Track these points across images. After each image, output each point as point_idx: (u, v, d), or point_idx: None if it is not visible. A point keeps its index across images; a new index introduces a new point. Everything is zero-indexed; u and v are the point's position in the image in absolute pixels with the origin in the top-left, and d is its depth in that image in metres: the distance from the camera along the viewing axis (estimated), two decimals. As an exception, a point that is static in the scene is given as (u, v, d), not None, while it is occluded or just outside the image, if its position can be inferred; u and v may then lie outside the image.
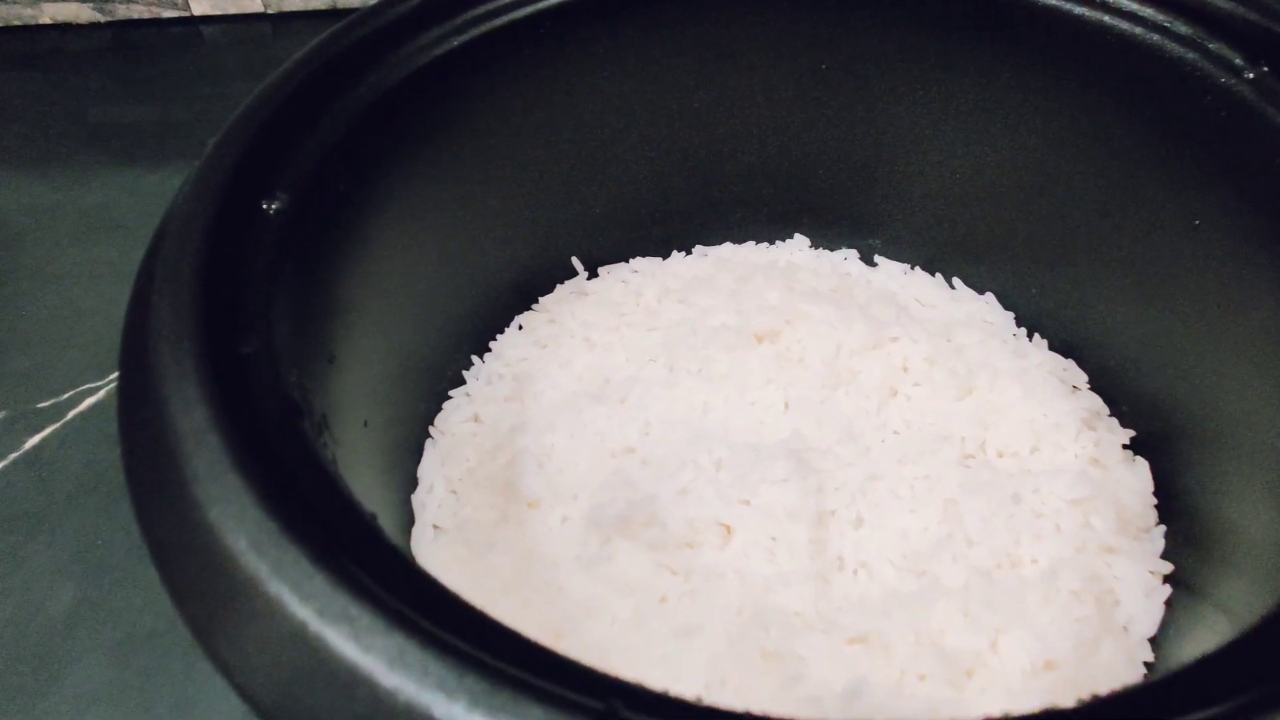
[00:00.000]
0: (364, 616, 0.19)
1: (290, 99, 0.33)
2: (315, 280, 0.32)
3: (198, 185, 0.29)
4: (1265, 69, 0.33)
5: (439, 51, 0.38)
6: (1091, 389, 0.44)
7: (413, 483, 0.42)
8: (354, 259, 0.35)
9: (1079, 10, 0.38)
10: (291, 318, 0.28)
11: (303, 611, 0.19)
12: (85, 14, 0.78)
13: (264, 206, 0.29)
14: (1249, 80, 0.34)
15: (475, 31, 0.39)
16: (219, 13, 0.79)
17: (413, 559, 0.39)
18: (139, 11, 0.79)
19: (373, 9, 0.38)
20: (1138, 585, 0.36)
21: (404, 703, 0.18)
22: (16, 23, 0.78)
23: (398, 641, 0.19)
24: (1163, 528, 0.39)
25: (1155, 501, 0.40)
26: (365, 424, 0.36)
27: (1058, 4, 0.38)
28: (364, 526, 0.22)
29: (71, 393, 0.53)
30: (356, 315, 0.35)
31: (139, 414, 0.24)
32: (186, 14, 0.79)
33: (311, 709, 0.19)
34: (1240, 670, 0.19)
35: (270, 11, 0.79)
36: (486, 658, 0.19)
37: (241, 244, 0.28)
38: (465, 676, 0.18)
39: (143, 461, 0.23)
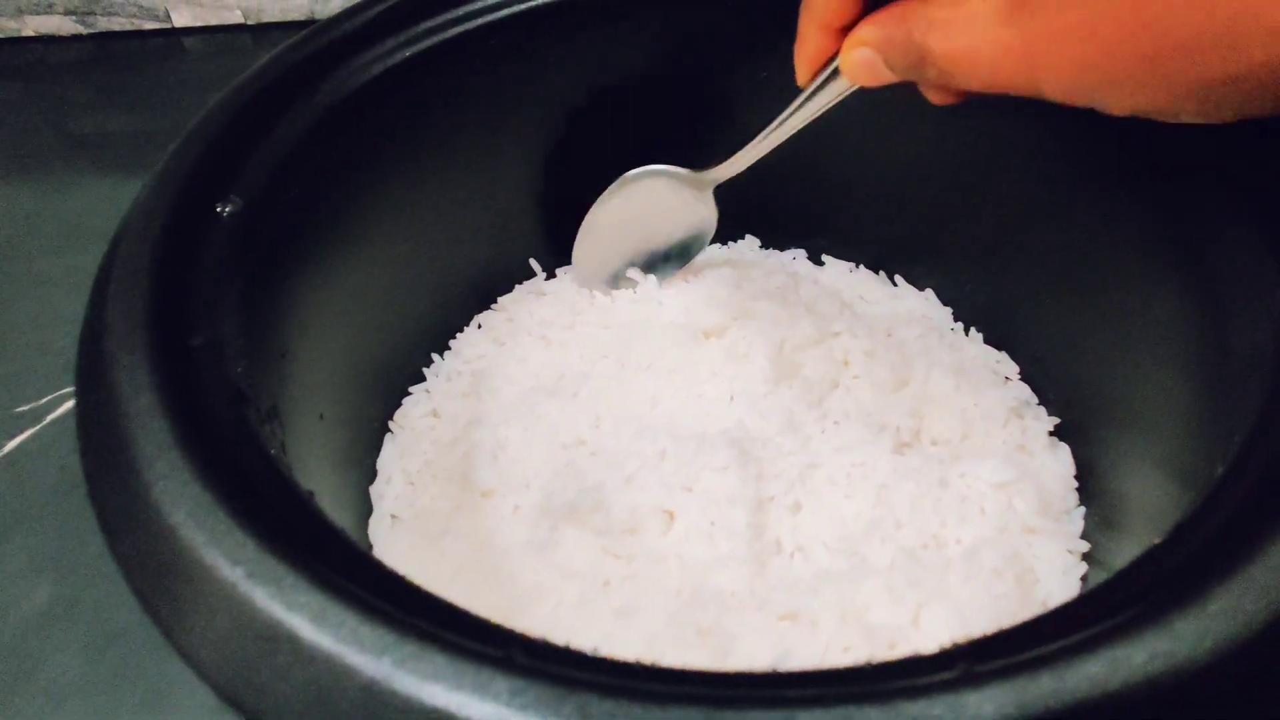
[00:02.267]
0: (289, 577, 0.21)
1: (247, 107, 0.35)
2: (268, 279, 0.33)
3: (154, 188, 0.31)
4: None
5: (394, 61, 0.40)
6: (1022, 379, 0.46)
7: (371, 475, 0.44)
8: (309, 260, 0.37)
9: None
10: (242, 314, 0.30)
11: (234, 574, 0.21)
12: (67, 26, 0.80)
13: (217, 209, 0.31)
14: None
15: (430, 42, 0.41)
16: (200, 24, 0.81)
17: (370, 546, 0.41)
18: (120, 24, 0.80)
19: (330, 21, 0.40)
20: (1056, 563, 0.38)
21: (323, 654, 0.20)
22: (0, 35, 0.80)
23: (319, 599, 0.21)
24: (1082, 509, 0.41)
25: (1076, 484, 0.42)
26: (321, 417, 0.37)
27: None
28: (296, 500, 0.24)
29: (49, 398, 0.54)
30: (311, 314, 0.37)
31: (93, 400, 0.26)
32: (168, 25, 0.81)
33: (242, 663, 0.21)
34: (1098, 608, 0.21)
35: (250, 23, 0.81)
36: (399, 613, 0.21)
37: (194, 244, 0.30)
38: (377, 629, 0.20)
39: (96, 444, 0.25)
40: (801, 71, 0.36)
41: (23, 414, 0.53)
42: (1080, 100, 0.27)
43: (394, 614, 0.21)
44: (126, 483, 0.24)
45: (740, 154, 0.43)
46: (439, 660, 0.20)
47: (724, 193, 0.53)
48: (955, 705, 0.19)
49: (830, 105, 0.37)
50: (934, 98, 0.34)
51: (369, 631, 0.20)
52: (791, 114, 0.39)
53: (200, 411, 0.25)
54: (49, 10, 0.79)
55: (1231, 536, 0.22)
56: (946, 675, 0.19)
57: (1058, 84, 0.26)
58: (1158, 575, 0.22)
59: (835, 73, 0.35)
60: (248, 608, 0.21)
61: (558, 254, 0.52)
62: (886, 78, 0.32)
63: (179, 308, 0.28)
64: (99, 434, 0.25)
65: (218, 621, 0.21)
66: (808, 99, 0.37)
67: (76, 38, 0.81)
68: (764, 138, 0.41)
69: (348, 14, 0.40)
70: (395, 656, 0.20)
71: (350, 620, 0.20)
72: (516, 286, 0.52)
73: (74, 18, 0.80)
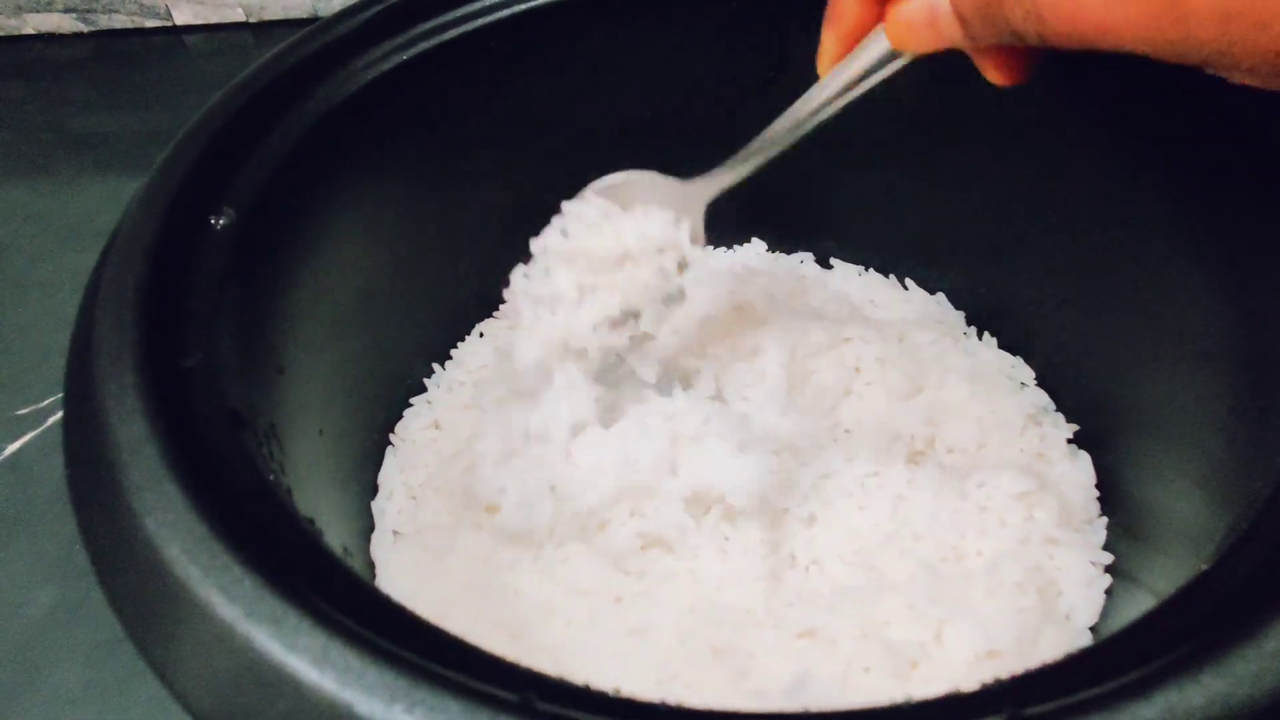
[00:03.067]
0: (290, 617, 0.20)
1: (240, 114, 0.34)
2: (263, 293, 0.32)
3: (143, 201, 0.30)
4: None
5: (390, 65, 0.39)
6: (1038, 385, 0.45)
7: (373, 489, 0.43)
8: (305, 272, 0.36)
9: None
10: (237, 330, 0.29)
11: (231, 613, 0.20)
12: (68, 24, 0.79)
13: (210, 221, 0.30)
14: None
15: (427, 45, 0.40)
16: (201, 22, 0.80)
17: (372, 563, 0.40)
18: (121, 21, 0.79)
19: (325, 23, 0.39)
20: (1079, 576, 0.37)
21: (327, 699, 0.19)
22: (0, 33, 0.79)
23: (321, 641, 0.20)
24: (1104, 519, 0.40)
25: (1097, 494, 0.41)
26: (320, 432, 0.36)
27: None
28: (297, 531, 0.23)
29: (51, 400, 0.53)
30: (308, 327, 0.36)
31: (81, 426, 0.25)
32: (169, 23, 0.80)
33: (241, 709, 0.20)
34: (1149, 643, 0.20)
35: (252, 21, 0.80)
36: (407, 654, 0.20)
37: (186, 259, 0.29)
38: (385, 672, 0.19)
39: (84, 472, 0.24)
40: (829, 48, 0.32)
41: (24, 416, 0.52)
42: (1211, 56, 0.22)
43: (403, 655, 0.20)
44: (116, 514, 0.23)
45: (743, 155, 0.38)
46: (452, 707, 0.18)
47: (728, 195, 0.51)
48: (1001, 755, 0.18)
49: (855, 95, 0.32)
50: (994, 74, 0.30)
51: (376, 675, 0.19)
52: (809, 106, 0.34)
53: (194, 438, 0.24)
54: (49, 8, 0.78)
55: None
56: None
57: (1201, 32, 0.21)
58: (1210, 607, 0.20)
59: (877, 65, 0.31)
60: (246, 649, 0.20)
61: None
62: (946, 35, 0.27)
63: (170, 327, 0.27)
64: (88, 463, 0.24)
65: (214, 663, 0.20)
66: (839, 85, 0.32)
67: (77, 35, 0.80)
68: (769, 137, 0.36)
69: (343, 16, 0.39)
70: (405, 703, 0.19)
71: (356, 663, 0.19)
72: (519, 293, 0.50)
73: (74, 15, 0.79)
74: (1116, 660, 0.19)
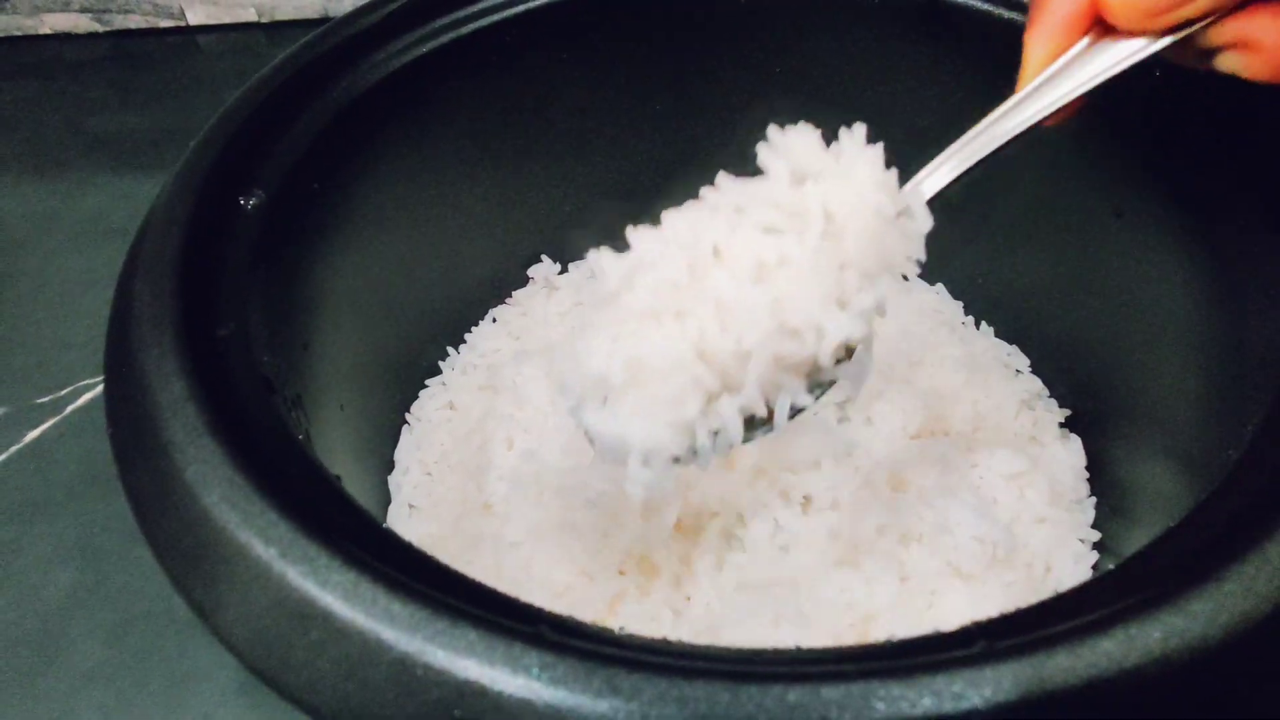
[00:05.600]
0: (322, 557, 0.22)
1: (267, 103, 0.36)
2: (290, 272, 0.34)
3: (179, 183, 0.31)
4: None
5: (409, 58, 0.40)
6: (1033, 372, 0.47)
7: (389, 465, 0.44)
8: (328, 254, 0.37)
9: (1006, 15, 0.40)
10: (266, 306, 0.31)
11: (268, 554, 0.22)
12: (84, 24, 0.81)
13: (241, 202, 0.32)
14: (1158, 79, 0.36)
15: (445, 38, 0.41)
16: (214, 22, 0.81)
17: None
18: (136, 21, 0.81)
19: (347, 17, 0.41)
20: (1067, 552, 0.39)
21: (356, 630, 0.21)
22: (16, 33, 0.80)
23: (351, 578, 0.21)
24: (1093, 499, 0.41)
25: (1087, 475, 0.42)
26: (341, 408, 0.38)
27: (987, 8, 0.41)
28: (325, 483, 0.25)
29: (69, 389, 0.55)
30: (331, 306, 0.37)
31: (123, 388, 0.26)
32: (183, 24, 0.81)
33: (276, 640, 0.22)
34: (1114, 588, 0.22)
35: (264, 21, 0.81)
36: (430, 591, 0.21)
37: (219, 237, 0.31)
38: (409, 606, 0.21)
39: (127, 431, 0.26)
40: (1040, 45, 0.25)
41: (44, 405, 0.54)
42: None
43: (425, 591, 0.21)
44: (159, 468, 0.24)
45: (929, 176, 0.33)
46: (471, 635, 0.20)
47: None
48: (975, 680, 0.19)
49: (1060, 104, 0.26)
50: (1253, 65, 0.23)
51: (401, 608, 0.21)
52: (1008, 115, 0.28)
53: (230, 398, 0.26)
54: (65, 8, 0.79)
55: (1245, 520, 0.22)
56: (966, 651, 0.20)
57: None
58: (1172, 557, 0.22)
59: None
60: (281, 586, 0.22)
61: (571, 248, 0.53)
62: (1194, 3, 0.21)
63: (206, 299, 0.29)
64: (130, 422, 0.26)
65: (252, 601, 0.22)
66: (1037, 89, 0.26)
67: (93, 35, 0.81)
68: (962, 150, 0.31)
69: (363, 10, 0.41)
70: (427, 632, 0.20)
71: (382, 597, 0.21)
72: (530, 280, 0.52)
73: (90, 15, 0.80)
74: (1083, 603, 0.21)
